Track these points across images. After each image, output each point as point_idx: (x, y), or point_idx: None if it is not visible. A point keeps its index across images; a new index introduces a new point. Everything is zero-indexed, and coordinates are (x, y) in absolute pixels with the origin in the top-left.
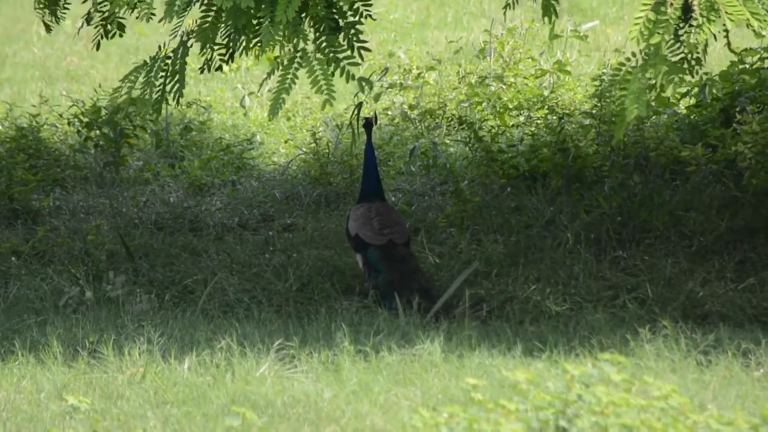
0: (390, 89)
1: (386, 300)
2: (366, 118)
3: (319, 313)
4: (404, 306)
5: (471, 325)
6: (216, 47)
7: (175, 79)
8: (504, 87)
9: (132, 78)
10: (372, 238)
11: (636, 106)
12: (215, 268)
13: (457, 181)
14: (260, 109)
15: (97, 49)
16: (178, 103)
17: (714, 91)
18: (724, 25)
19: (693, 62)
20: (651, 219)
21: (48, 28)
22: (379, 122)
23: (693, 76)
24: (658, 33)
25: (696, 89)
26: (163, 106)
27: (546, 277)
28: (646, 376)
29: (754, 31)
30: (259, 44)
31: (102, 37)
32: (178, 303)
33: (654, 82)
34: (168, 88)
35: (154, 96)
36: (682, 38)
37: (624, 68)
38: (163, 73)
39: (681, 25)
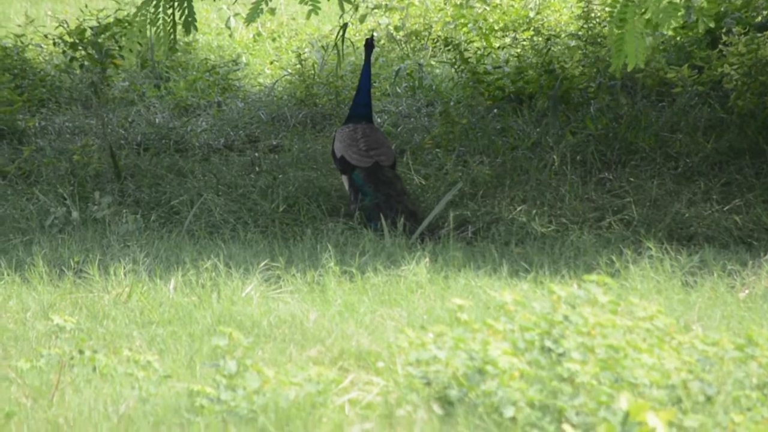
0: (375, 10)
1: (372, 221)
2: (367, 39)
3: (305, 234)
4: (389, 227)
5: (456, 247)
6: None
7: (184, 10)
8: (489, 8)
9: (143, 13)
10: (358, 160)
11: (634, 51)
12: (201, 189)
13: (445, 102)
14: (246, 30)
15: None
16: (188, 33)
17: (704, 21)
18: None
19: None
20: (637, 140)
21: None
22: (377, 42)
23: (688, 11)
24: None
25: (681, 11)
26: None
27: (532, 198)
28: (632, 297)
29: None
30: None
31: None
32: (164, 223)
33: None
34: (178, 19)
35: (165, 30)
36: None
37: (620, 1)
38: (170, 6)
39: None
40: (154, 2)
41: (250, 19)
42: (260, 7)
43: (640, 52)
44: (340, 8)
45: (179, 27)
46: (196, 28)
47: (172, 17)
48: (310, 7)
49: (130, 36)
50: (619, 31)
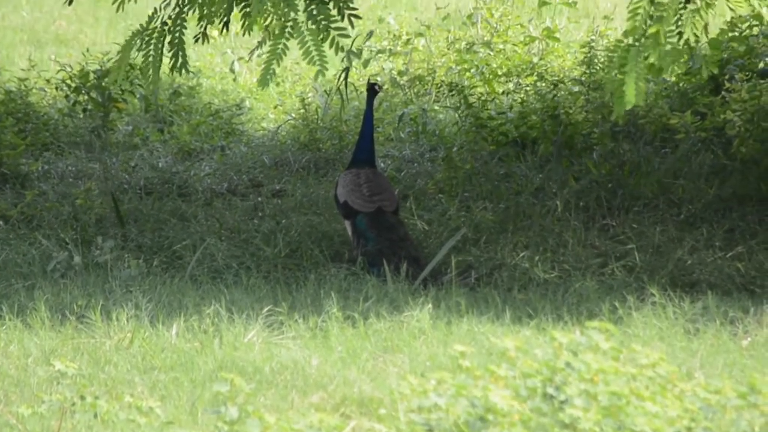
0: (379, 55)
1: (374, 267)
2: (371, 83)
3: (308, 280)
4: (392, 273)
5: (459, 292)
6: (211, 16)
7: (176, 51)
8: (492, 53)
9: (128, 46)
10: (361, 206)
11: (634, 93)
12: (204, 234)
13: (449, 147)
14: (249, 74)
15: (70, 3)
16: (181, 73)
17: (708, 68)
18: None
19: (695, 39)
20: (640, 187)
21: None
22: (383, 89)
23: (691, 57)
24: (658, 21)
25: (685, 58)
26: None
27: (535, 244)
28: (635, 344)
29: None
30: (248, 16)
31: None
32: (167, 268)
33: (652, 62)
34: (169, 61)
35: (154, 66)
36: (680, 23)
37: (622, 46)
38: (160, 43)
39: (681, 7)
40: (143, 38)
41: (263, 83)
42: (271, 68)
43: (640, 92)
44: (348, 62)
45: (165, 62)
46: (187, 71)
47: (160, 52)
48: (318, 68)
49: (115, 69)
50: (621, 77)
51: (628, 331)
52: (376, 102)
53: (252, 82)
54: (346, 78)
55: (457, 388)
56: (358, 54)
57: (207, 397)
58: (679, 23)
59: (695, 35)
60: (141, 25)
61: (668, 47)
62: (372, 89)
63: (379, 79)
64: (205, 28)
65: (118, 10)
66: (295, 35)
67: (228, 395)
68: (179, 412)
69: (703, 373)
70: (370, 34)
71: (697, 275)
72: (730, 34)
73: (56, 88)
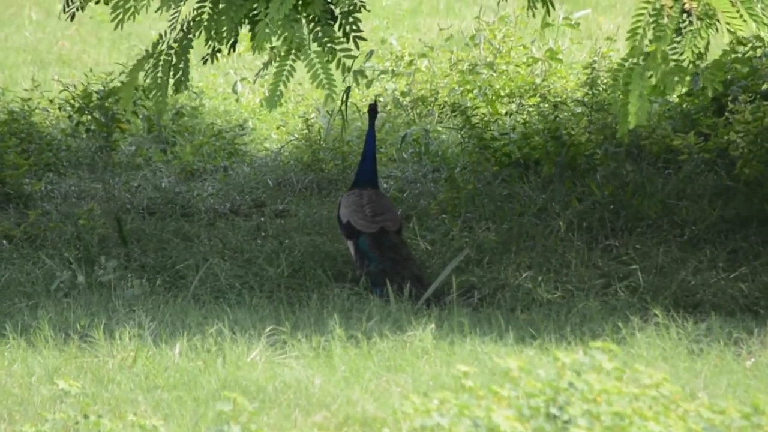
0: (382, 76)
1: (377, 287)
2: (371, 104)
3: (311, 299)
4: (395, 293)
5: (462, 312)
6: (219, 38)
7: (178, 71)
8: (495, 74)
9: (136, 69)
10: (364, 226)
11: (637, 112)
12: (207, 254)
13: (451, 168)
14: (252, 95)
15: (72, 19)
16: (179, 92)
17: (713, 85)
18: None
19: (695, 58)
20: (643, 207)
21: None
22: (382, 105)
23: (694, 78)
24: (656, 40)
25: (688, 78)
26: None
27: (538, 264)
28: (638, 365)
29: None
30: (255, 38)
31: (78, 9)
32: (170, 288)
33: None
34: (171, 81)
35: (162, 89)
36: (681, 39)
37: (626, 65)
38: (167, 66)
39: (682, 24)
40: (152, 62)
41: (270, 104)
42: (278, 90)
43: (643, 112)
44: (356, 82)
45: (170, 86)
46: (186, 88)
47: (168, 75)
48: (327, 92)
49: (123, 93)
50: (624, 97)
51: (632, 351)
52: (378, 123)
53: (255, 102)
54: (347, 98)
55: (459, 408)
56: (365, 74)
57: (210, 416)
58: (681, 44)
59: (698, 54)
60: (147, 50)
61: (671, 65)
62: (373, 110)
63: (381, 99)
64: (214, 49)
65: (116, 27)
66: (301, 57)
67: (231, 414)
68: (182, 431)
69: (706, 393)
70: (371, 53)
71: (701, 296)
72: (733, 56)
73: (59, 109)
